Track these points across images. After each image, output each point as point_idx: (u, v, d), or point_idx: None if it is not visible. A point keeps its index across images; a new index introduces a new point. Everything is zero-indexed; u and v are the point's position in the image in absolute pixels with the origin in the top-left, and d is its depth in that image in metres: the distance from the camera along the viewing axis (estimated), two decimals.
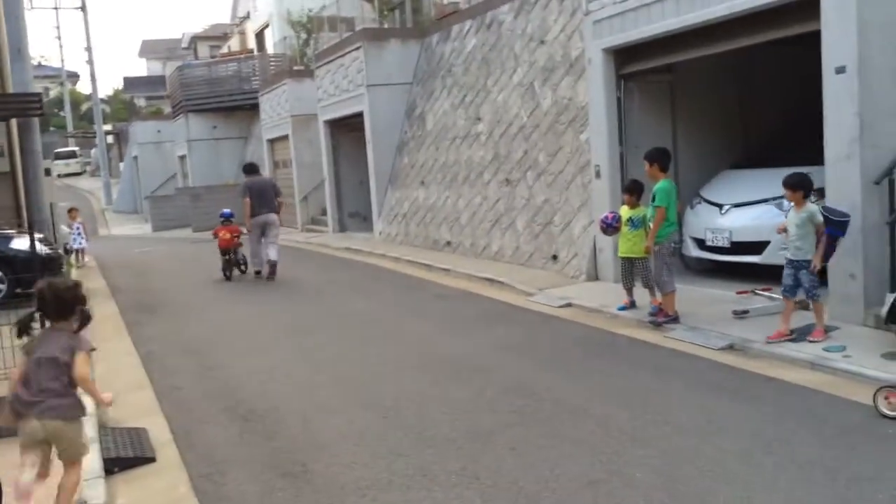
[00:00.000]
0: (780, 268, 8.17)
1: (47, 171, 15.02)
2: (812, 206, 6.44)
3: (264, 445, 5.14)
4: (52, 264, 11.43)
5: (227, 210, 13.45)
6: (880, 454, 4.36)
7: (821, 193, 7.51)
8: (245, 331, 8.84)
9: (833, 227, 6.26)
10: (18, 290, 10.39)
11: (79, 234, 16.36)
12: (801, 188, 6.47)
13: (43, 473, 4.04)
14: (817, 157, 6.97)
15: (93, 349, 4.31)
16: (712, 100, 10.06)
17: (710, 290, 8.60)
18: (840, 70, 6.51)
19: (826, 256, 6.39)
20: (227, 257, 12.89)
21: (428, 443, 4.95)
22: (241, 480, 4.59)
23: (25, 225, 12.70)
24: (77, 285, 4.27)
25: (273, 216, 12.79)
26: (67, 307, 4.07)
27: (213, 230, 13.35)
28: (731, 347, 6.64)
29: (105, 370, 7.37)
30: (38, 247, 11.22)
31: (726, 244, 8.66)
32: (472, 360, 6.88)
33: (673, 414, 5.17)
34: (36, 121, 13.15)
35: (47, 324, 4.15)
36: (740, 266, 8.66)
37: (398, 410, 5.63)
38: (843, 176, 6.65)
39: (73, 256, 15.73)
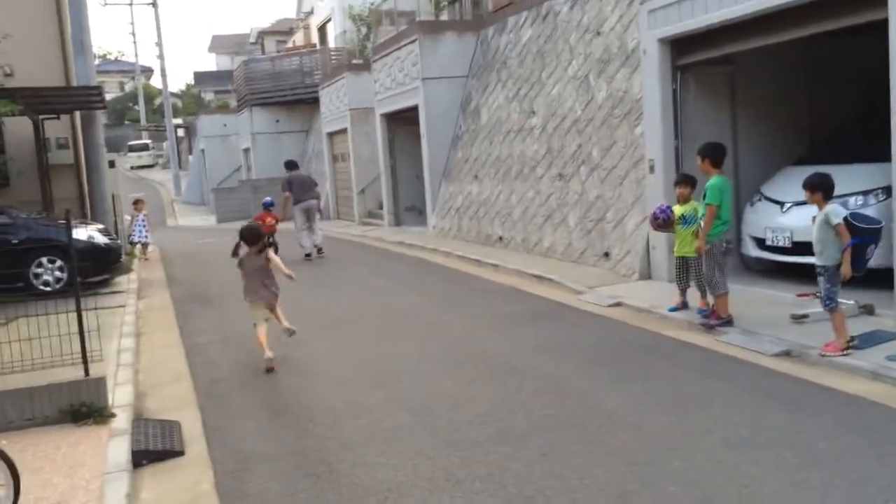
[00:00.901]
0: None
1: (111, 164, 15.49)
2: (828, 209, 5.98)
3: (293, 443, 5.08)
4: (111, 254, 11.74)
5: (268, 198, 14.39)
6: None
7: (888, 192, 7.07)
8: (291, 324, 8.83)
9: (860, 236, 5.86)
10: (78, 279, 10.70)
11: (143, 226, 16.14)
12: (819, 189, 6.07)
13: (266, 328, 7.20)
14: (887, 153, 6.53)
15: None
16: (776, 91, 9.58)
17: (769, 292, 8.20)
18: None
19: (856, 265, 5.92)
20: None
21: (456, 445, 4.81)
22: (264, 479, 4.53)
23: (88, 216, 13.10)
24: (261, 227, 8.41)
25: (313, 202, 14.38)
26: (258, 238, 7.32)
27: (256, 216, 14.18)
28: (786, 354, 6.28)
29: (148, 361, 7.47)
30: (98, 237, 11.59)
31: (787, 244, 8.24)
32: (511, 359, 6.69)
33: (716, 423, 4.89)
34: (98, 113, 13.52)
35: (243, 249, 7.33)
36: (802, 267, 8.21)
37: (430, 410, 5.50)
38: None
39: (136, 248, 15.91)
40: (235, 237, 7.50)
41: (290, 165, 15.07)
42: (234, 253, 7.38)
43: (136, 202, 16.60)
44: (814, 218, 6.15)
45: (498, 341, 7.41)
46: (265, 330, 7.11)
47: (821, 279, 6.09)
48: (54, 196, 12.89)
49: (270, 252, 7.41)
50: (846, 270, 5.89)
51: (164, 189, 41.63)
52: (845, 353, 5.94)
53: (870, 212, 7.50)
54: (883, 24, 6.35)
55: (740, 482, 4.04)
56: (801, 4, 7.13)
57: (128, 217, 17.25)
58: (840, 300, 7.18)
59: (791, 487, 3.96)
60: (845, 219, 5.92)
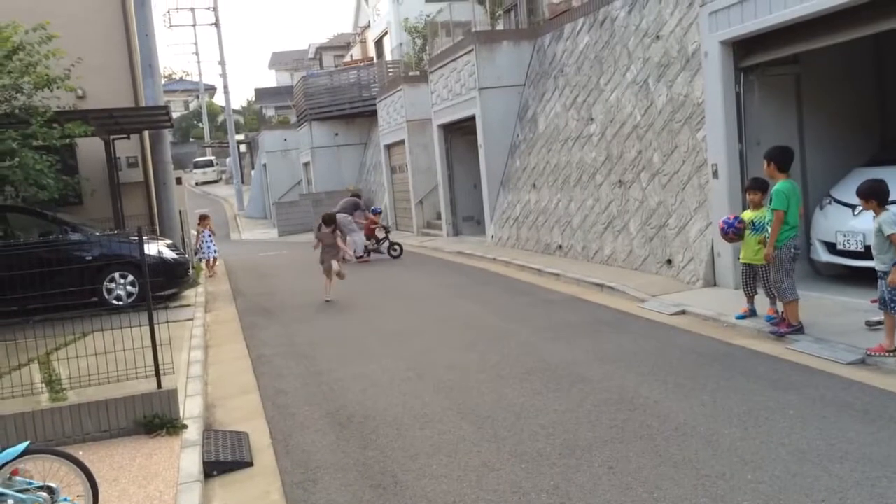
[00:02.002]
0: None
1: (178, 180, 15.91)
2: (883, 217, 5.97)
3: (359, 454, 5.12)
4: (179, 269, 12.08)
5: (377, 206, 17.74)
6: None
7: None
8: (353, 335, 8.95)
9: None
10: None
11: (211, 241, 16.36)
12: (873, 196, 6.07)
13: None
14: None
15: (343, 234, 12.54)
16: (846, 91, 9.29)
17: (841, 298, 7.93)
18: None
19: None
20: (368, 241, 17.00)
21: (521, 457, 4.78)
22: (331, 490, 4.58)
23: (157, 231, 13.51)
24: (334, 214, 12.46)
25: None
26: (331, 221, 11.86)
27: (368, 218, 17.30)
28: (862, 362, 6.07)
29: (217, 374, 7.65)
30: (167, 252, 11.94)
31: (860, 248, 7.97)
32: (575, 369, 6.63)
33: (790, 435, 4.75)
34: (166, 132, 13.95)
35: (324, 228, 11.85)
36: (875, 272, 7.91)
37: (494, 421, 5.49)
38: None
39: (204, 264, 16.18)
40: (318, 220, 12.32)
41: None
42: (318, 229, 12.00)
43: (203, 218, 16.85)
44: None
45: (561, 351, 7.35)
46: (329, 282, 11.65)
47: (881, 282, 6.10)
48: (125, 213, 13.36)
49: (339, 236, 12.18)
50: (893, 279, 5.91)
51: (227, 204, 42.67)
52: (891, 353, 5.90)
53: None
54: None
55: (817, 496, 3.91)
56: (866, 2, 6.91)
57: (193, 232, 17.70)
58: None
59: (870, 502, 3.81)
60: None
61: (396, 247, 16.79)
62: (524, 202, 15.41)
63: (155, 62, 13.34)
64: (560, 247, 13.64)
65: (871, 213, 7.76)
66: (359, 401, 6.30)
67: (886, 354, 6.00)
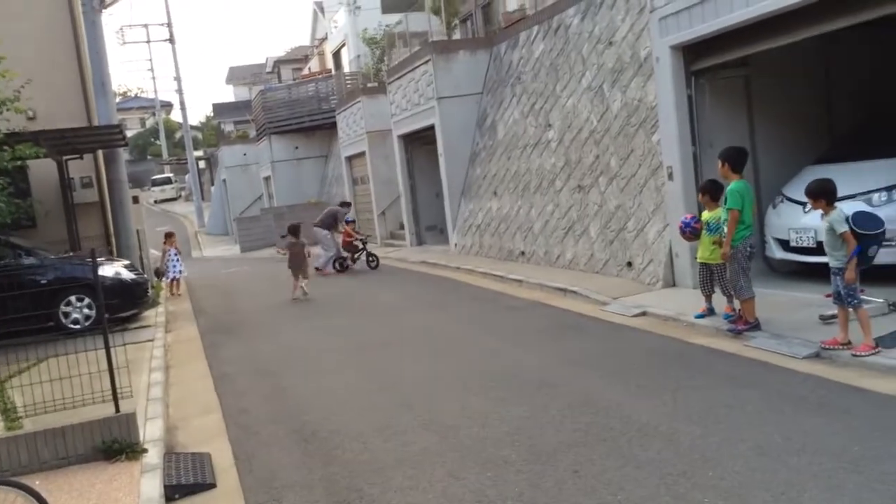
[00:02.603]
0: (871, 268, 7.66)
1: (135, 199, 15.68)
2: (833, 215, 6.15)
3: (323, 470, 5.08)
4: (137, 289, 11.87)
5: (350, 216, 17.16)
6: None
7: None
8: (317, 350, 8.89)
9: (862, 242, 6.02)
10: (106, 316, 10.84)
11: (177, 260, 15.84)
12: (822, 196, 6.25)
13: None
14: None
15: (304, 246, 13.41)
16: (794, 92, 9.48)
17: (796, 294, 8.09)
18: None
19: (861, 262, 6.10)
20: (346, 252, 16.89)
21: (486, 465, 4.78)
22: None
23: (114, 251, 13.28)
24: (299, 224, 13.88)
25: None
26: (297, 231, 13.33)
27: (345, 231, 16.83)
28: (817, 356, 6.19)
29: (178, 394, 7.54)
30: (125, 273, 11.75)
31: (812, 244, 8.14)
32: (539, 374, 6.66)
33: (749, 431, 4.82)
34: (121, 151, 13.74)
35: (290, 238, 13.45)
36: (827, 267, 8.08)
37: (458, 430, 5.48)
38: None
39: (168, 284, 15.75)
40: (284, 231, 13.77)
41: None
42: (283, 236, 13.30)
43: (168, 236, 16.28)
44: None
45: (525, 357, 7.38)
46: (296, 285, 12.88)
47: (836, 279, 6.24)
48: (80, 234, 13.08)
49: (307, 246, 13.47)
50: (849, 276, 6.04)
51: (187, 221, 42.14)
52: (875, 351, 5.90)
53: (894, 208, 7.42)
54: None
55: (776, 490, 3.98)
56: (814, 2, 7.07)
57: (154, 252, 17.41)
58: (869, 298, 7.11)
59: (828, 493, 3.88)
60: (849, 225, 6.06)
61: (373, 258, 16.55)
62: (486, 210, 15.47)
63: (107, 80, 13.15)
64: (522, 253, 13.71)
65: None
66: (323, 416, 6.25)
67: (840, 347, 6.13)
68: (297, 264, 13.09)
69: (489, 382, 6.60)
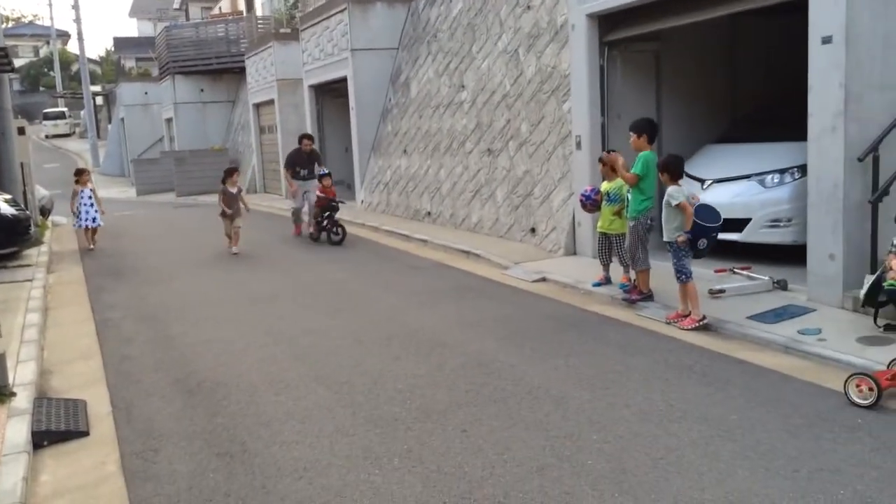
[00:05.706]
0: (762, 246, 7.99)
1: (21, 130, 14.64)
2: (669, 190, 6.45)
3: (207, 421, 4.89)
4: (18, 226, 11.14)
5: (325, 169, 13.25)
6: (846, 446, 4.13)
7: (803, 170, 7.24)
8: (212, 299, 8.58)
9: (693, 231, 6.35)
10: None
11: (91, 205, 12.94)
12: (666, 171, 6.55)
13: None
14: (805, 133, 6.67)
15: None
16: (700, 70, 9.70)
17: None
18: (826, 40, 6.20)
19: (692, 252, 6.47)
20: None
21: (376, 422, 4.72)
22: (174, 459, 4.35)
23: None
24: (234, 168, 13.50)
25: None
26: (232, 174, 12.33)
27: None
28: (704, 328, 6.40)
29: (56, 338, 7.13)
30: (5, 207, 10.98)
31: None
32: (436, 334, 6.63)
33: (635, 397, 4.94)
34: (6, 77, 12.77)
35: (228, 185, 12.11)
36: (721, 244, 8.38)
37: (352, 386, 5.39)
38: (825, 151, 6.38)
39: (84, 232, 13.03)
40: (220, 174, 12.59)
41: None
42: (223, 181, 12.08)
43: (80, 173, 13.45)
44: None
45: (424, 317, 7.33)
46: (230, 236, 12.03)
47: (671, 254, 6.56)
48: None
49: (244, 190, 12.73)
50: (681, 239, 6.37)
51: (81, 160, 39.91)
52: (701, 323, 6.35)
53: (785, 190, 7.72)
54: (804, 3, 6.45)
55: (656, 455, 4.08)
56: None
57: (41, 190, 16.35)
58: (755, 275, 7.42)
59: (704, 459, 4.02)
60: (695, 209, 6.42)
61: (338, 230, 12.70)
62: (395, 168, 15.28)
63: None
64: (429, 213, 13.64)
65: (720, 188, 8.25)
66: (211, 367, 6.03)
67: (680, 320, 6.51)
68: (235, 214, 11.87)
69: (385, 340, 6.53)
